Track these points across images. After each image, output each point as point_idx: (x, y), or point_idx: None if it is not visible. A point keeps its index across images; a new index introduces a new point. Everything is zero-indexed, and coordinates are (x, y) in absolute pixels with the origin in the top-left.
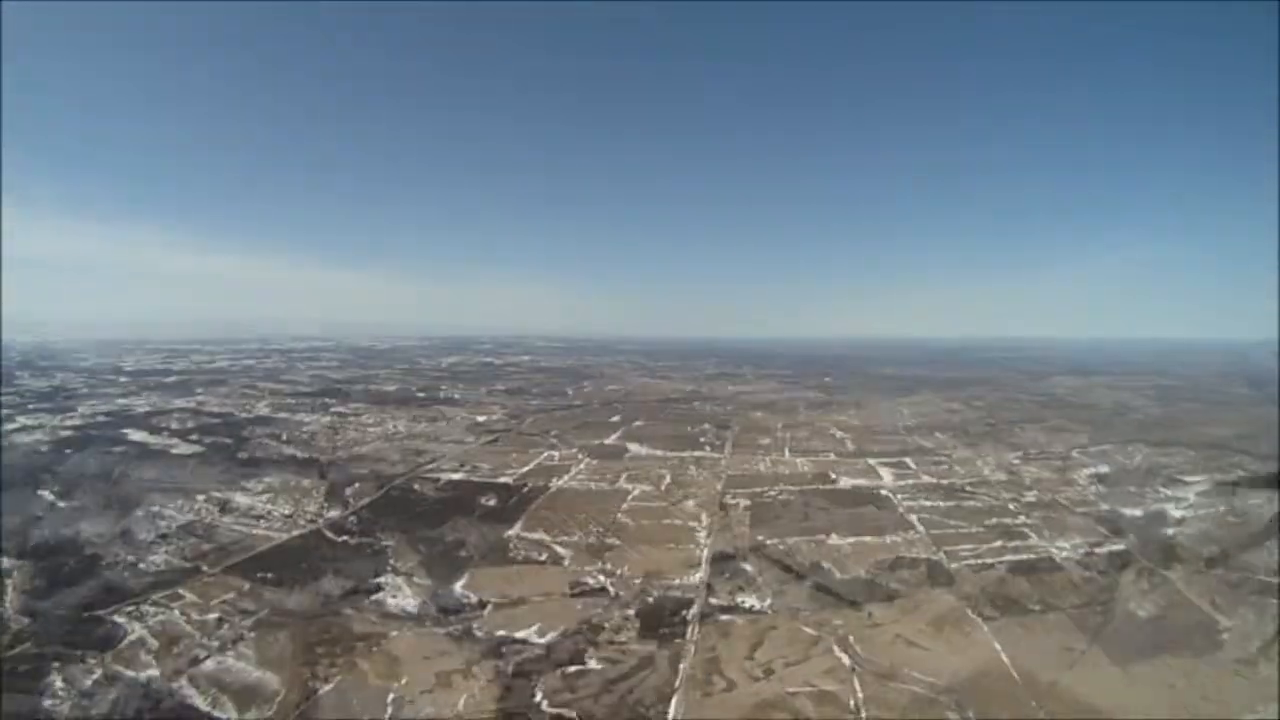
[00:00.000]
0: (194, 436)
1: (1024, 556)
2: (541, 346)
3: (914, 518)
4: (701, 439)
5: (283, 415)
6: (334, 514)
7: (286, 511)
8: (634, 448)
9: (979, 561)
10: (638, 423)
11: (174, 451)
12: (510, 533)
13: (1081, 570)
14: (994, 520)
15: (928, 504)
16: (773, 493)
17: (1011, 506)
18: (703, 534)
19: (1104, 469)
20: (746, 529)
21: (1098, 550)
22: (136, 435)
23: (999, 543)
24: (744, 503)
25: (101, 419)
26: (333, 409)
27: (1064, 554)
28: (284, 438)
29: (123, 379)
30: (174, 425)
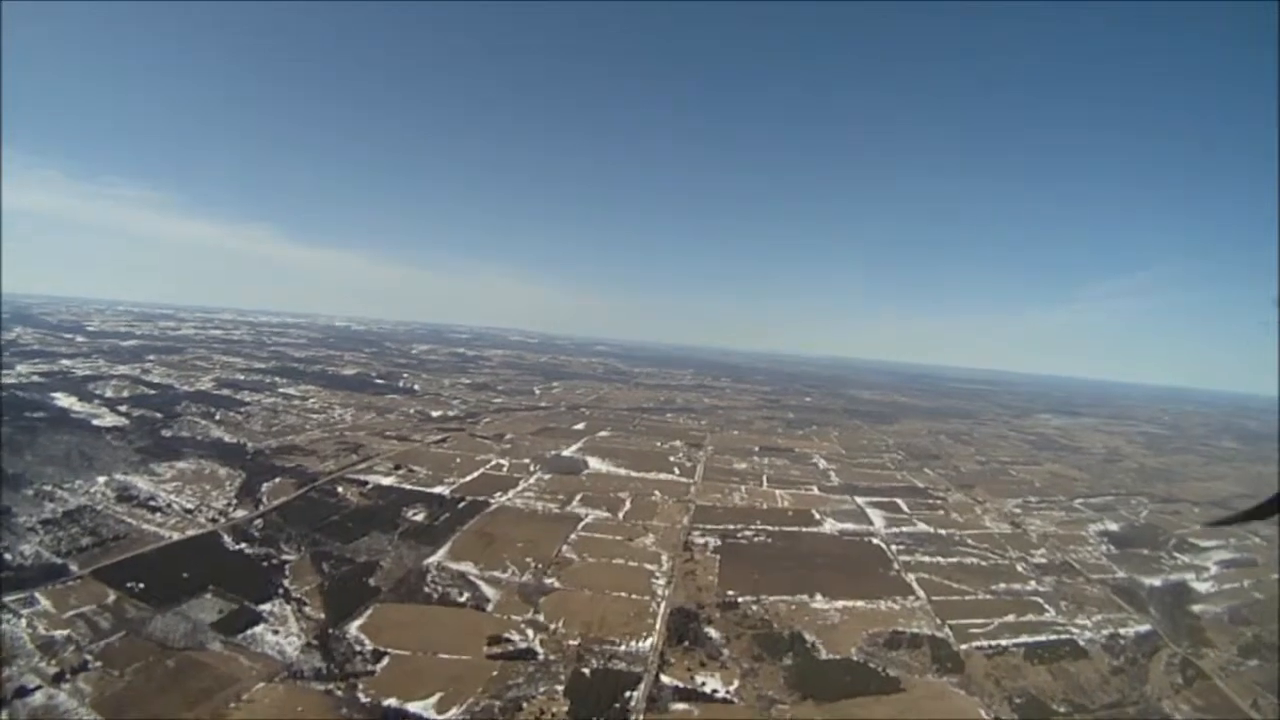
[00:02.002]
0: (123, 407)
1: (1042, 637)
2: (517, 342)
3: (912, 578)
4: (671, 458)
5: (225, 392)
6: (240, 514)
7: (189, 505)
8: (594, 463)
9: (991, 643)
10: (603, 433)
11: (95, 422)
12: (433, 559)
13: (1108, 657)
14: (1003, 585)
15: (926, 559)
16: (748, 532)
17: (1020, 568)
18: (661, 580)
19: (1112, 526)
20: (714, 579)
21: (1122, 631)
22: (64, 400)
23: (1011, 616)
24: (713, 543)
25: (36, 379)
26: (280, 390)
27: (1086, 635)
28: (217, 417)
29: (80, 339)
30: (108, 393)
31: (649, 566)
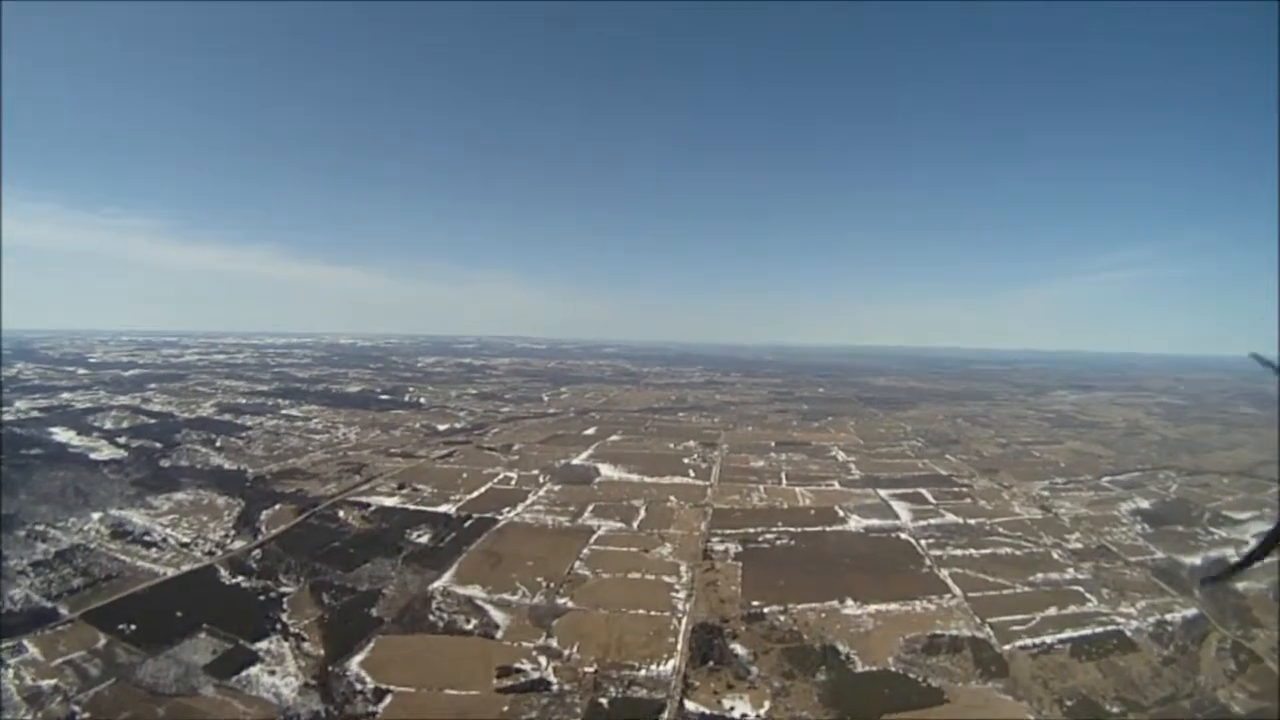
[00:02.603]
0: (122, 439)
1: (1087, 630)
2: (525, 349)
3: (945, 574)
4: (685, 460)
5: (225, 418)
6: (238, 545)
7: (185, 539)
8: (606, 470)
9: (1035, 641)
10: (614, 437)
11: (93, 456)
12: (438, 584)
13: (1157, 647)
14: (1040, 575)
15: (958, 553)
16: (769, 535)
17: (1056, 556)
18: (681, 594)
19: (1144, 503)
20: (737, 589)
21: (1169, 617)
22: (63, 435)
23: (1053, 609)
24: (733, 549)
25: (35, 415)
26: (283, 411)
27: (1133, 624)
28: (217, 444)
29: (81, 371)
30: (107, 425)
31: (667, 579)
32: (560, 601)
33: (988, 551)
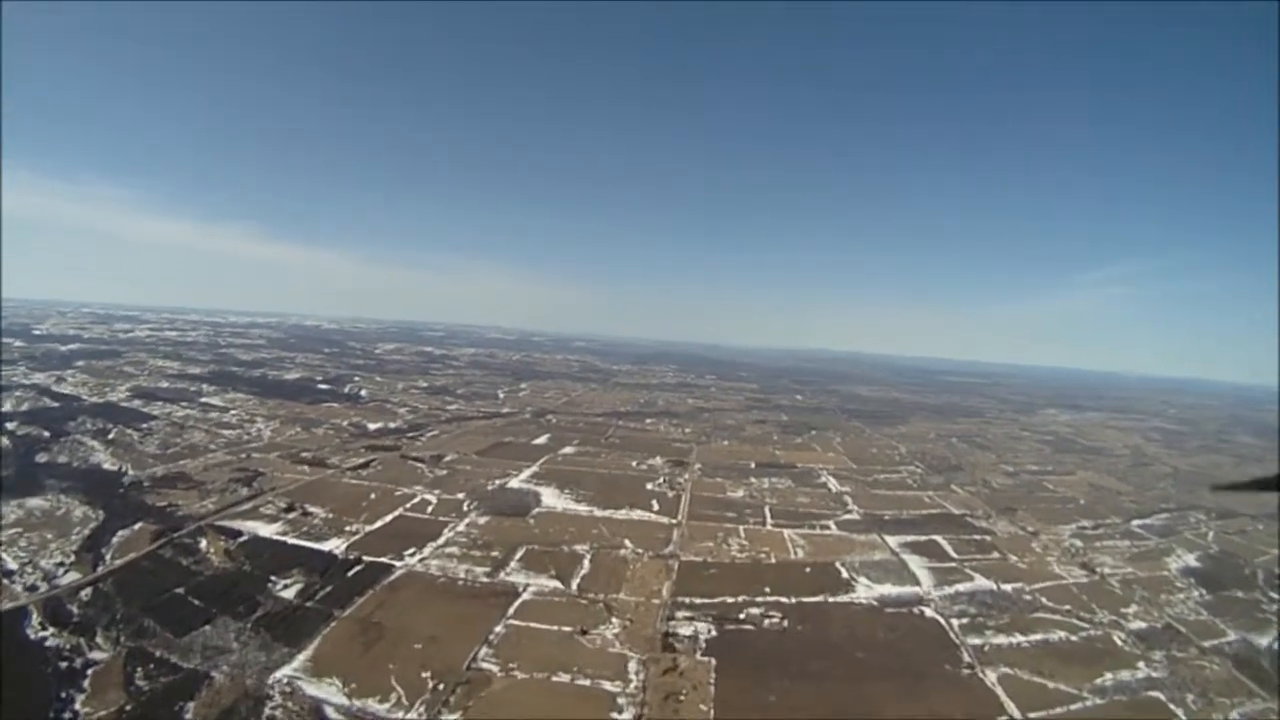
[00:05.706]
0: (12, 424)
1: None
2: (493, 339)
3: (992, 678)
4: (649, 484)
5: (135, 404)
6: (69, 578)
7: (13, 565)
8: (549, 497)
9: None
10: (567, 449)
11: None
12: (285, 671)
13: None
14: (1109, 675)
15: (1002, 640)
16: (754, 610)
17: (1119, 640)
18: (627, 716)
19: (1189, 557)
20: (708, 708)
21: None
22: None
23: None
24: (704, 633)
25: None
26: (202, 399)
27: None
28: (110, 436)
29: (17, 344)
30: (6, 407)
31: (609, 686)
32: (448, 718)
33: (1038, 637)
